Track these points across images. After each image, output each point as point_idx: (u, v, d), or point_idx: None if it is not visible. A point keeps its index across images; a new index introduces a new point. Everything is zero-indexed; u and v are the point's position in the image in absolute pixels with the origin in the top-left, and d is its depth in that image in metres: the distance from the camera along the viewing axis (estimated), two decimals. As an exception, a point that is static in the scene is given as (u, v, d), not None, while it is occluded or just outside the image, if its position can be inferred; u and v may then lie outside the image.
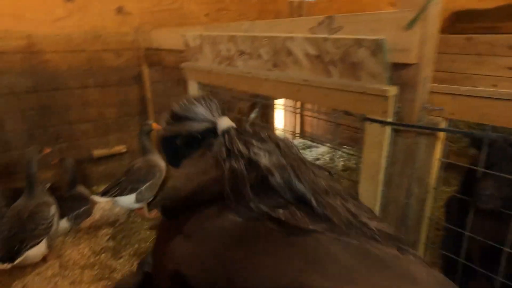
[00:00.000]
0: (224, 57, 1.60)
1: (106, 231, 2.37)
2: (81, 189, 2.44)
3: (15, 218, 1.94)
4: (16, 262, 1.79)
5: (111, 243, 2.23)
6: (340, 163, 3.27)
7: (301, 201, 0.53)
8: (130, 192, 2.34)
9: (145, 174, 2.38)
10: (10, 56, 2.39)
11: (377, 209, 1.11)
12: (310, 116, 3.30)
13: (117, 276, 1.94)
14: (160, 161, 2.50)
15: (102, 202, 2.65)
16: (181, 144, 0.73)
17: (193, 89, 1.88)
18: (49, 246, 2.03)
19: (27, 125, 2.56)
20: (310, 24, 1.23)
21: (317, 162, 3.33)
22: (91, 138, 2.87)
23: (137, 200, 2.37)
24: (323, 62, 1.15)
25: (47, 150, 2.19)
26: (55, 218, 2.06)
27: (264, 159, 0.55)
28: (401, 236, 0.56)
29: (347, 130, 3.09)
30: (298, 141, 3.96)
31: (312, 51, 1.17)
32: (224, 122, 0.69)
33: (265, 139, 0.60)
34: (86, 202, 2.45)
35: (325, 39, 1.09)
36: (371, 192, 1.10)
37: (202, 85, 1.87)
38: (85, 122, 2.80)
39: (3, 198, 2.15)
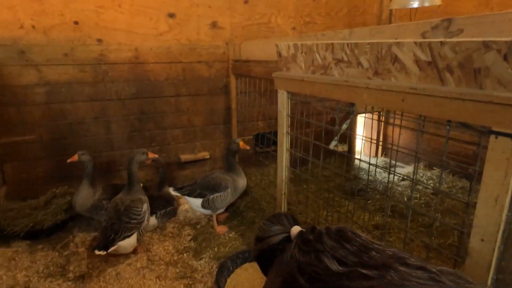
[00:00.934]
0: (318, 66, 1.57)
1: (188, 232, 2.48)
2: (168, 190, 2.61)
3: (113, 211, 2.14)
4: (109, 250, 1.95)
5: (192, 244, 2.32)
6: (429, 185, 2.98)
7: None
8: (198, 196, 2.41)
9: (216, 185, 2.41)
10: (121, 66, 2.70)
11: (499, 237, 0.95)
12: (408, 128, 3.08)
13: (198, 276, 2.00)
14: (239, 179, 2.50)
15: (185, 204, 2.81)
16: (266, 257, 0.93)
17: (283, 98, 1.89)
18: (139, 240, 2.19)
19: (128, 128, 2.85)
20: (421, 28, 1.14)
21: (401, 183, 3.07)
22: (180, 143, 3.07)
23: (203, 206, 2.42)
24: (436, 68, 1.05)
25: (152, 155, 2.38)
26: (147, 215, 2.22)
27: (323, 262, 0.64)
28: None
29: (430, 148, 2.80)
30: (380, 159, 3.73)
31: (423, 57, 1.07)
32: (294, 230, 0.87)
33: (330, 241, 0.68)
34: (172, 203, 2.60)
35: (443, 44, 0.99)
36: (492, 218, 0.95)
37: (292, 95, 1.87)
38: (176, 128, 3.01)
39: (107, 192, 2.40)
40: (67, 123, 2.65)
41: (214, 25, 2.94)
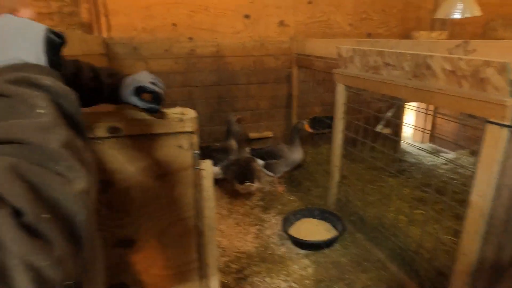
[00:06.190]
0: (371, 66, 2.04)
1: (257, 194, 3.11)
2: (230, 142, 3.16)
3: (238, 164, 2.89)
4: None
5: (261, 203, 2.95)
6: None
7: None
8: (262, 158, 3.07)
9: (274, 153, 3.04)
10: (206, 59, 3.34)
11: (491, 193, 1.40)
12: (440, 117, 3.43)
13: (266, 225, 2.62)
14: (294, 153, 3.04)
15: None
16: None
17: (341, 90, 2.38)
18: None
19: (209, 110, 3.51)
20: (449, 46, 1.57)
21: (445, 167, 3.43)
22: (248, 123, 3.68)
23: (265, 167, 3.07)
24: (456, 76, 1.49)
25: (239, 116, 3.10)
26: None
27: None
28: None
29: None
30: (426, 145, 4.06)
31: (448, 67, 1.51)
32: None
33: None
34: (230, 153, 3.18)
35: (460, 59, 1.43)
36: (486, 180, 1.40)
37: (348, 88, 2.35)
38: (246, 110, 3.62)
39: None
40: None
41: (281, 23, 3.46)
